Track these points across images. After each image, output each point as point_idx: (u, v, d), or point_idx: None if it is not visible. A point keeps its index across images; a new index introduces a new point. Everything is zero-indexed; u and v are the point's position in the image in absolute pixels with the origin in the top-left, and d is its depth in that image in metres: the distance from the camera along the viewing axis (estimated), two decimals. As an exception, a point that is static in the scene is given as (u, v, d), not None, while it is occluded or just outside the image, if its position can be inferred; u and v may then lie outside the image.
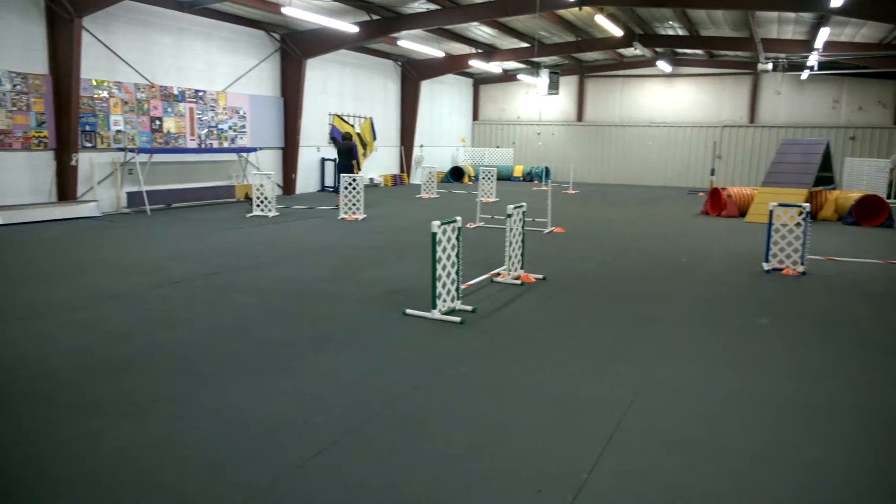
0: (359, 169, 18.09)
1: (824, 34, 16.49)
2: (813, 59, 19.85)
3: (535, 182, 27.14)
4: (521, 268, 8.57)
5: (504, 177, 27.96)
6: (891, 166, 22.12)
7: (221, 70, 17.55)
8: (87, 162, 14.36)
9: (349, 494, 3.33)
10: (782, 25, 18.72)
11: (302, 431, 4.03)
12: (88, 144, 14.31)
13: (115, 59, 14.72)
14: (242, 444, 3.86)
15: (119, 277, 8.27)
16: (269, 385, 4.80)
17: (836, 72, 23.27)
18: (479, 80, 30.76)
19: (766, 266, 9.55)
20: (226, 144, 17.75)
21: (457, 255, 6.85)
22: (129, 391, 4.63)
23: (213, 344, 5.73)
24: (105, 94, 14.55)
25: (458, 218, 6.87)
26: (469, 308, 6.91)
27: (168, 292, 7.56)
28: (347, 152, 17.02)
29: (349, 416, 4.28)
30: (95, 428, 4.04)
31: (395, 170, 26.05)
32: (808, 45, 19.59)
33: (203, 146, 17.03)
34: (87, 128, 14.25)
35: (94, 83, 14.32)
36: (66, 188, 13.85)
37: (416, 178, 26.36)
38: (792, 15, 16.98)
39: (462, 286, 7.30)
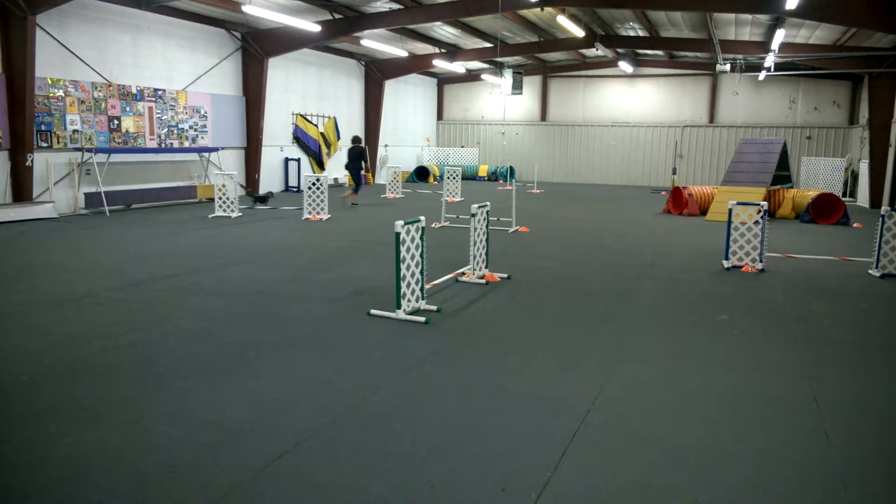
0: (369, 173, 18.33)
1: (780, 36, 16.89)
2: (769, 61, 20.33)
3: (500, 181, 27.27)
4: (486, 267, 8.59)
5: (469, 176, 28.05)
6: (846, 165, 22.79)
7: (181, 68, 17.23)
8: (43, 162, 13.97)
9: (312, 496, 3.29)
10: (739, 27, 19.14)
11: (265, 434, 3.97)
12: (44, 144, 13.92)
13: (71, 57, 14.34)
14: (203, 448, 3.79)
15: (76, 280, 8.06)
16: (232, 387, 4.73)
17: (792, 73, 23.87)
18: (444, 80, 30.78)
19: (726, 263, 9.74)
20: (187, 144, 17.44)
21: (421, 255, 6.83)
22: (85, 396, 4.51)
23: (174, 347, 5.61)
24: (61, 92, 14.17)
25: (422, 218, 6.86)
26: (434, 308, 6.90)
27: (127, 295, 7.39)
28: (358, 156, 17.45)
29: (313, 417, 4.23)
30: (49, 435, 3.92)
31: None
32: (764, 47, 20.06)
33: (163, 146, 16.71)
34: (43, 127, 13.87)
35: (50, 82, 13.94)
36: (21, 189, 13.45)
37: (381, 177, 26.26)
38: (749, 17, 17.36)
39: (427, 286, 7.29)
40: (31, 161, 13.47)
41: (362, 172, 17.78)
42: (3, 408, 4.32)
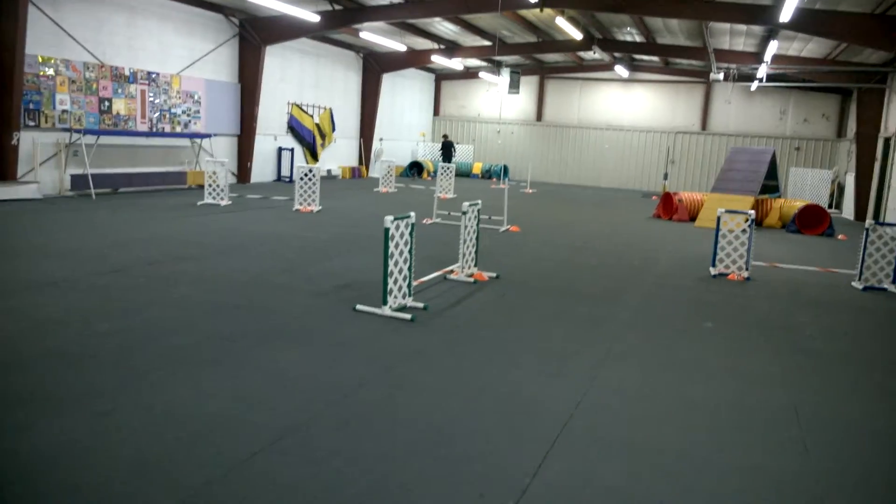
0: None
1: (773, 47, 16.94)
2: (762, 71, 20.41)
3: (494, 180, 27.24)
4: (475, 266, 8.56)
5: (463, 173, 28.00)
6: (833, 177, 22.93)
7: (176, 52, 17.06)
8: (30, 141, 13.78)
9: (284, 497, 3.24)
10: (734, 37, 19.18)
11: (241, 430, 3.92)
12: (31, 123, 13.73)
13: (63, 35, 14.15)
14: (176, 443, 3.72)
15: (56, 263, 7.95)
16: (210, 381, 4.67)
17: (784, 84, 24.00)
18: (441, 76, 30.68)
19: (713, 271, 9.76)
20: (179, 129, 17.28)
21: (409, 251, 6.78)
22: (57, 385, 4.42)
23: (153, 336, 5.54)
24: (51, 71, 13.98)
25: (412, 213, 6.81)
26: (420, 305, 6.86)
27: (108, 281, 7.30)
28: (449, 146, 26.60)
29: (291, 414, 4.18)
30: (16, 424, 3.83)
31: (354, 162, 25.80)
32: (757, 58, 20.13)
33: (154, 130, 16.54)
34: (31, 106, 13.67)
35: (41, 60, 13.74)
36: (5, 168, 13.24)
37: (375, 171, 26.16)
38: (743, 27, 17.39)
39: (414, 283, 7.25)
40: (17, 140, 13.28)
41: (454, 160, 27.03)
42: (-24, 392, 4.23)
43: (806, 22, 13.50)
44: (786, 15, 12.19)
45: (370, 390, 4.67)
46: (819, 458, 4.04)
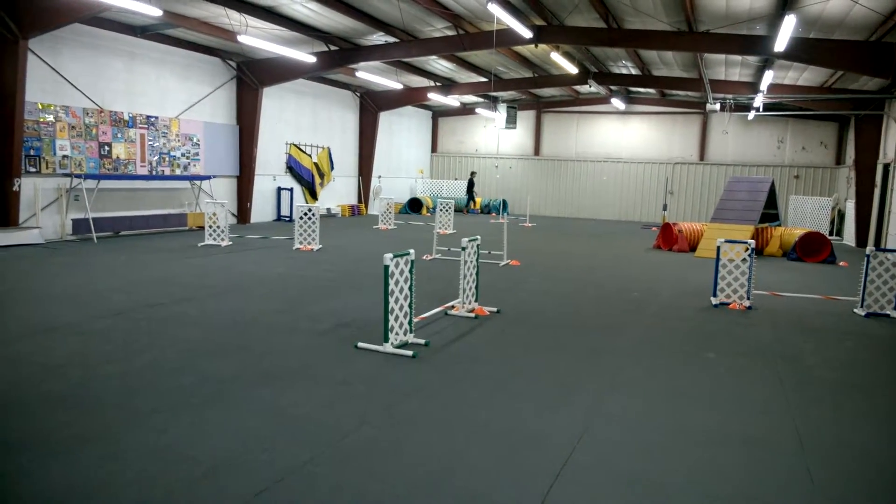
0: (474, 203, 28.27)
1: (769, 77, 17.17)
2: (758, 101, 20.65)
3: (493, 214, 27.36)
4: (476, 301, 8.55)
5: (462, 209, 28.14)
6: (832, 204, 23.01)
7: (175, 96, 17.31)
8: (31, 187, 13.91)
9: (288, 538, 3.19)
10: (729, 68, 19.45)
11: (243, 471, 3.88)
12: (32, 169, 13.87)
13: (62, 82, 14.38)
14: (179, 484, 3.69)
15: (58, 308, 7.95)
16: (212, 421, 4.63)
17: (781, 113, 24.25)
18: (438, 113, 31.04)
19: (713, 300, 9.73)
20: (178, 171, 17.43)
21: (410, 288, 6.78)
22: (60, 428, 4.40)
23: (155, 378, 5.51)
24: (51, 118, 14.17)
25: (412, 251, 6.83)
26: (422, 341, 6.83)
27: (109, 324, 7.29)
28: (471, 183, 28.25)
29: (294, 453, 4.14)
30: (21, 468, 3.81)
31: (353, 200, 25.96)
32: (753, 87, 20.38)
33: (154, 173, 16.69)
34: (32, 152, 13.83)
35: (40, 107, 13.94)
36: (7, 214, 13.35)
37: (374, 208, 26.31)
38: (738, 58, 17.65)
39: (415, 319, 7.23)
40: (19, 186, 13.40)
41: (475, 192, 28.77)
42: (-25, 439, 4.20)
43: (801, 51, 13.69)
44: (780, 45, 12.37)
45: (372, 428, 4.62)
46: (826, 489, 3.98)
